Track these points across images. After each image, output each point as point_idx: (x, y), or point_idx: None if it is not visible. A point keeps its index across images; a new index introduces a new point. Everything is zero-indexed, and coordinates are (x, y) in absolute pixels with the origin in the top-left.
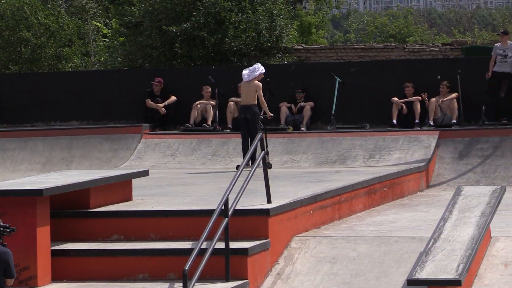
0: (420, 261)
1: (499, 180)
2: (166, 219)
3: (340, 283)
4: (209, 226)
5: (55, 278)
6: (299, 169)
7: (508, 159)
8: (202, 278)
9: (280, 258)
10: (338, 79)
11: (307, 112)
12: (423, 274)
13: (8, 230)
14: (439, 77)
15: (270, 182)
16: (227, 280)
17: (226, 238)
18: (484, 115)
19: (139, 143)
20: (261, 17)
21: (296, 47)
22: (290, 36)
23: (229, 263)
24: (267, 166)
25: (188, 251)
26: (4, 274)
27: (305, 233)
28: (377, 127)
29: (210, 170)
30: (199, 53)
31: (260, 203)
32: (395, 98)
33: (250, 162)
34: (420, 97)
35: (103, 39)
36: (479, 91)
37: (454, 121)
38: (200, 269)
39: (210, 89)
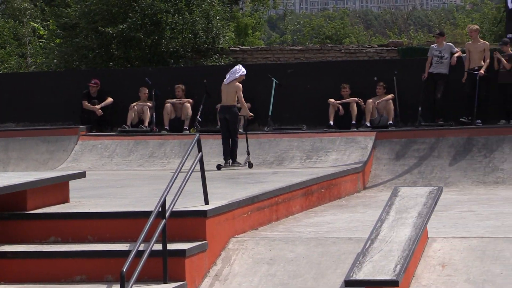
0: (358, 262)
1: (436, 180)
2: (104, 221)
3: (278, 284)
4: (147, 227)
5: None
6: (236, 170)
7: (445, 160)
8: (140, 280)
9: (218, 260)
10: (274, 80)
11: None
12: (360, 275)
13: None
14: (375, 78)
15: (207, 183)
16: (165, 282)
17: (163, 239)
18: (420, 116)
19: (76, 144)
20: (197, 19)
21: (232, 48)
22: (227, 37)
23: (166, 265)
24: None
25: (125, 253)
26: None
27: (243, 234)
28: (314, 128)
29: (147, 172)
30: (135, 54)
31: (198, 205)
32: (332, 100)
33: (231, 161)
34: (356, 98)
35: (39, 40)
36: (415, 92)
37: (391, 122)
38: (137, 270)
39: (147, 90)
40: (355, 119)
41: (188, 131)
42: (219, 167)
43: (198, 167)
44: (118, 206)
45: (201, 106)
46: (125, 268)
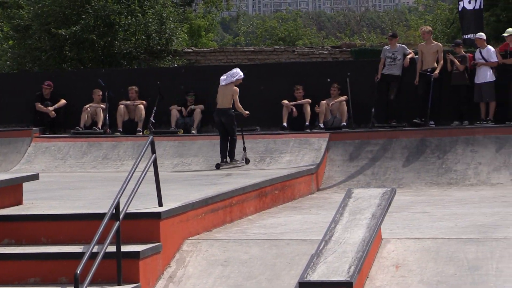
0: (312, 263)
1: (389, 182)
2: (57, 223)
3: (232, 285)
4: (100, 229)
5: None
6: (190, 172)
7: (398, 161)
8: (94, 282)
9: (172, 261)
10: None
11: (197, 115)
12: (314, 276)
13: None
14: (328, 79)
15: (161, 185)
16: (119, 284)
17: (117, 241)
18: (373, 117)
19: (29, 146)
20: (150, 20)
21: (186, 50)
22: (180, 39)
23: (120, 267)
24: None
25: (79, 255)
26: None
27: (197, 236)
28: (267, 130)
29: (101, 174)
30: (88, 56)
31: (152, 207)
32: (285, 101)
33: (229, 159)
34: (310, 100)
35: None
36: (369, 94)
37: (344, 123)
38: (91, 273)
39: (100, 92)
40: (309, 121)
41: (141, 133)
42: (218, 166)
43: (152, 169)
44: (72, 208)
45: (155, 108)
46: (79, 270)
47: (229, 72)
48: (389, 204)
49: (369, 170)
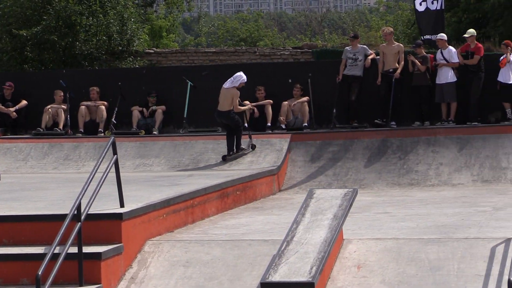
0: (274, 264)
1: (351, 182)
2: (19, 224)
3: (193, 286)
4: (62, 230)
5: None
6: (152, 173)
7: (359, 162)
8: (56, 283)
9: (134, 262)
10: (189, 82)
11: (159, 116)
12: (276, 277)
13: None
14: (290, 80)
15: (123, 186)
16: (80, 285)
17: (79, 242)
18: (335, 118)
19: None
20: (112, 21)
21: (147, 50)
22: (141, 39)
23: (82, 268)
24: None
25: (41, 256)
26: None
27: (159, 237)
28: None
29: (62, 175)
30: (50, 57)
31: (113, 207)
32: (247, 102)
33: (236, 150)
34: (271, 101)
35: None
36: (330, 94)
37: (306, 124)
38: (53, 274)
39: (61, 93)
40: (270, 121)
41: (103, 134)
42: (224, 158)
43: (113, 170)
44: (34, 209)
45: (116, 109)
46: (40, 271)
47: (233, 76)
48: (351, 205)
49: (330, 171)
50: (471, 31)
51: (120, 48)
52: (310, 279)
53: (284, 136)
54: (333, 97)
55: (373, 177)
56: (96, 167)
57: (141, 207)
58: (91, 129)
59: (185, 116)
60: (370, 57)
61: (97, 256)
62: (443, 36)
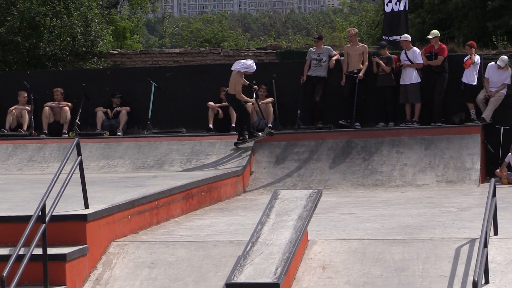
0: (239, 265)
1: (316, 183)
2: None
3: (159, 287)
4: (27, 232)
5: None
6: (116, 174)
7: (324, 163)
8: (21, 284)
9: (99, 264)
10: (154, 83)
11: (123, 117)
12: (241, 278)
13: None
14: (254, 81)
15: (87, 187)
16: (45, 286)
17: (44, 244)
18: (299, 119)
19: None
20: (76, 22)
21: (111, 51)
22: (105, 40)
23: (47, 269)
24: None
25: (5, 258)
26: None
27: (124, 238)
28: (193, 131)
29: (26, 176)
30: (14, 58)
31: (78, 209)
32: (211, 103)
33: (244, 135)
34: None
35: None
36: (294, 95)
37: (270, 125)
38: (18, 275)
39: (25, 94)
40: (235, 122)
41: (67, 135)
42: (236, 144)
43: (78, 171)
44: None
45: (80, 110)
46: (5, 272)
47: (244, 60)
48: (316, 206)
49: (295, 172)
50: (435, 32)
51: (84, 49)
52: (275, 280)
53: None
54: (298, 98)
55: (337, 178)
56: (61, 169)
57: (106, 208)
58: (55, 130)
59: (149, 117)
60: (334, 58)
61: (61, 257)
62: (407, 37)
